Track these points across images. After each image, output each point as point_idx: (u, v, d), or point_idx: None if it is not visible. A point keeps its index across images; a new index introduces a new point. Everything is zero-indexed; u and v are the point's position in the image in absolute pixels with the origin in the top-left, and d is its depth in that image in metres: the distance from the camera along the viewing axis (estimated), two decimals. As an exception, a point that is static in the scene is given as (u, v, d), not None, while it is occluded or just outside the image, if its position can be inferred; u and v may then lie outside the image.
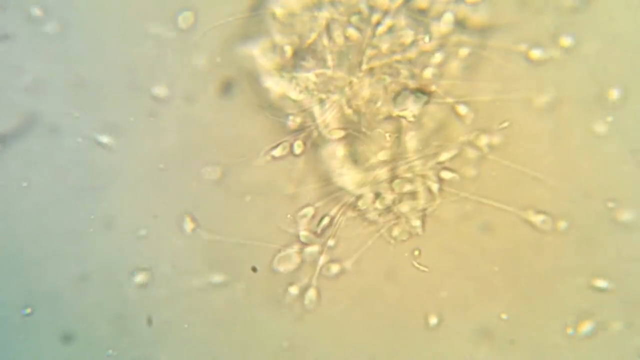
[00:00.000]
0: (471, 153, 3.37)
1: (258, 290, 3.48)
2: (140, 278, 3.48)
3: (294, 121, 3.39)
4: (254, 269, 3.47)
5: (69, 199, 3.45)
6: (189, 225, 3.45)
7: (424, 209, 3.42)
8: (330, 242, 3.44)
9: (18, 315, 3.46)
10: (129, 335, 3.51)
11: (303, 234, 3.44)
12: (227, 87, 3.40)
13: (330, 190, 3.44)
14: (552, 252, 3.41)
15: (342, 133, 3.39)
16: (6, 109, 3.39)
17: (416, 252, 3.43)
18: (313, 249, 3.45)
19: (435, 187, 3.40)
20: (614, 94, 3.30)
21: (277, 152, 3.40)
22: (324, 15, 3.30)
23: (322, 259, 3.45)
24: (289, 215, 3.44)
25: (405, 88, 3.33)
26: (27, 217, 3.45)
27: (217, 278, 3.48)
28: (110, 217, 3.46)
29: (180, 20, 3.36)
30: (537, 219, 3.38)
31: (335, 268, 3.46)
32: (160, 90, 3.39)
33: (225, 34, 3.35)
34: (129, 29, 3.36)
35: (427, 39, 3.30)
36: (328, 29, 3.31)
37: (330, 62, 3.33)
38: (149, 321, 3.50)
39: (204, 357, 3.53)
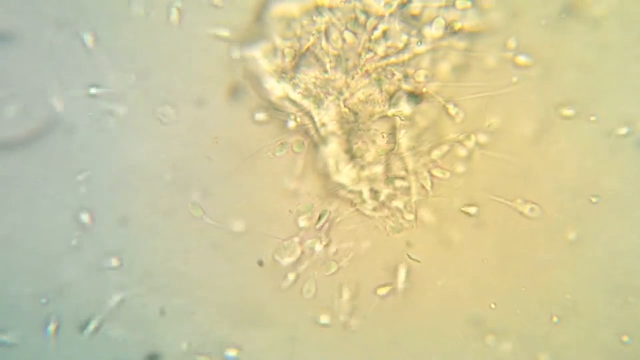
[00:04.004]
0: (461, 150, 3.42)
1: (262, 279, 3.55)
2: (151, 269, 3.54)
3: (294, 121, 3.43)
4: (261, 263, 3.53)
5: (84, 197, 3.50)
6: (198, 217, 3.50)
7: (417, 204, 3.47)
8: (329, 236, 3.50)
9: (37, 305, 3.52)
10: (139, 320, 3.58)
11: (303, 226, 3.50)
12: (234, 91, 3.43)
13: (328, 186, 3.48)
14: (539, 245, 3.47)
15: (339, 132, 3.43)
16: (24, 111, 3.44)
17: (409, 245, 3.49)
18: (313, 242, 3.50)
19: (427, 182, 3.45)
20: (598, 94, 3.35)
21: (278, 151, 3.44)
22: (323, 20, 3.34)
23: (321, 252, 3.51)
24: (289, 210, 3.50)
25: (399, 89, 3.38)
26: (44, 213, 3.50)
27: (224, 268, 3.55)
28: (124, 212, 3.51)
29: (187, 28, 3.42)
30: (526, 208, 3.44)
31: (332, 260, 3.52)
32: (171, 93, 3.46)
33: (230, 38, 3.39)
34: (140, 34, 3.41)
35: (419, 43, 3.34)
36: (326, 33, 3.34)
37: (328, 65, 3.37)
38: (162, 312, 3.57)
39: (211, 344, 3.59)
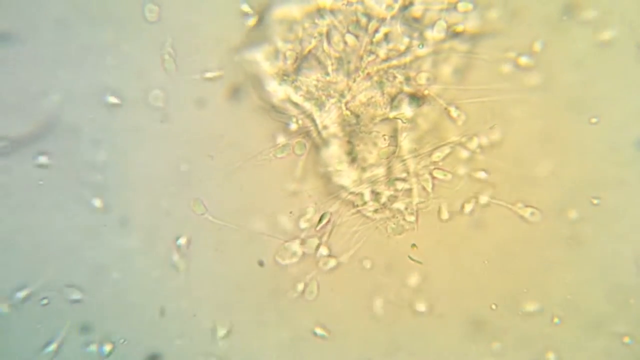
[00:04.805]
0: (462, 152, 3.43)
1: (263, 280, 3.55)
2: (151, 269, 3.55)
3: (295, 123, 3.44)
4: (261, 263, 3.54)
5: (84, 197, 3.50)
6: (200, 214, 3.50)
7: (418, 205, 3.48)
8: (330, 237, 3.50)
9: (37, 305, 3.52)
10: (143, 324, 3.59)
11: (304, 227, 3.51)
12: (235, 92, 3.43)
13: (329, 188, 3.49)
14: (540, 246, 3.49)
15: (341, 134, 3.44)
16: (25, 112, 3.44)
17: (412, 246, 3.50)
18: (313, 243, 3.51)
19: (428, 184, 3.46)
20: (599, 97, 3.36)
21: (280, 153, 3.45)
22: (324, 23, 3.34)
23: (322, 253, 3.52)
24: (290, 212, 3.50)
25: (400, 92, 3.38)
26: (45, 214, 3.49)
27: (224, 268, 3.56)
28: (124, 213, 3.51)
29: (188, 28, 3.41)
30: (526, 212, 3.45)
31: (333, 262, 3.52)
32: (171, 93, 3.45)
33: (231, 40, 3.40)
34: (141, 34, 3.41)
35: (421, 45, 3.34)
36: (328, 36, 3.35)
37: (330, 68, 3.37)
38: (162, 312, 3.57)
39: (211, 344, 3.59)
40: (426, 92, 3.39)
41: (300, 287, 3.53)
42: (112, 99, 3.45)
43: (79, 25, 3.41)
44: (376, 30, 3.34)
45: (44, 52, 3.41)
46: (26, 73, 3.42)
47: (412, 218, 3.49)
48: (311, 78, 3.40)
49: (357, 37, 3.35)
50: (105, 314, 3.57)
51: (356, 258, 3.53)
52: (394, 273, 3.54)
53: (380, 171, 3.47)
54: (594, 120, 3.38)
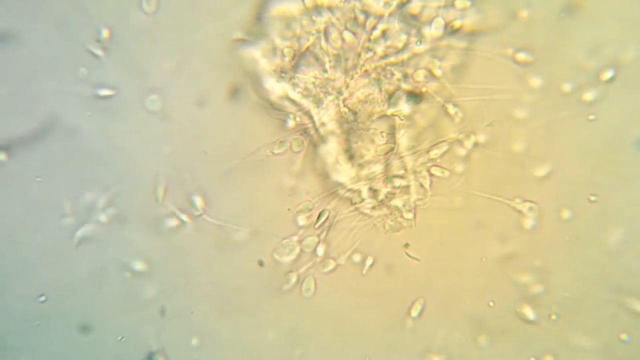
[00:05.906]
0: (460, 150, 3.43)
1: (261, 278, 3.55)
2: (151, 269, 3.56)
3: (293, 120, 3.44)
4: (261, 263, 3.54)
5: (84, 196, 3.50)
6: (197, 215, 3.50)
7: (416, 203, 3.48)
8: (327, 234, 3.50)
9: (35, 303, 3.52)
10: (138, 320, 3.59)
11: (302, 225, 3.50)
12: (233, 91, 3.43)
13: (327, 185, 3.49)
14: (537, 244, 3.48)
15: (338, 131, 3.44)
16: (25, 112, 3.45)
17: (406, 244, 3.49)
18: (311, 240, 3.51)
19: (426, 181, 3.46)
20: (595, 94, 3.37)
21: (277, 149, 3.45)
22: (322, 20, 3.35)
23: (320, 251, 3.52)
24: (288, 209, 3.50)
25: (398, 89, 3.39)
26: (42, 212, 3.50)
27: (224, 268, 3.56)
28: (124, 211, 3.52)
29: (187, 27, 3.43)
30: (524, 207, 3.45)
31: (331, 259, 3.52)
32: (171, 91, 3.46)
33: (229, 37, 3.40)
34: (141, 35, 3.42)
35: (418, 42, 3.35)
36: (326, 33, 3.35)
37: (327, 65, 3.38)
38: (162, 312, 3.57)
39: (211, 343, 3.60)
40: (424, 89, 3.39)
41: (298, 284, 3.53)
42: (112, 97, 3.46)
43: (79, 24, 3.41)
44: (374, 28, 3.35)
45: (44, 52, 3.42)
46: (26, 73, 3.43)
47: (410, 215, 3.49)
48: (309, 75, 3.40)
49: (354, 34, 3.36)
50: (105, 313, 3.57)
51: (354, 257, 3.53)
52: (393, 271, 3.54)
53: (378, 168, 3.48)
54: (591, 117, 3.38)
